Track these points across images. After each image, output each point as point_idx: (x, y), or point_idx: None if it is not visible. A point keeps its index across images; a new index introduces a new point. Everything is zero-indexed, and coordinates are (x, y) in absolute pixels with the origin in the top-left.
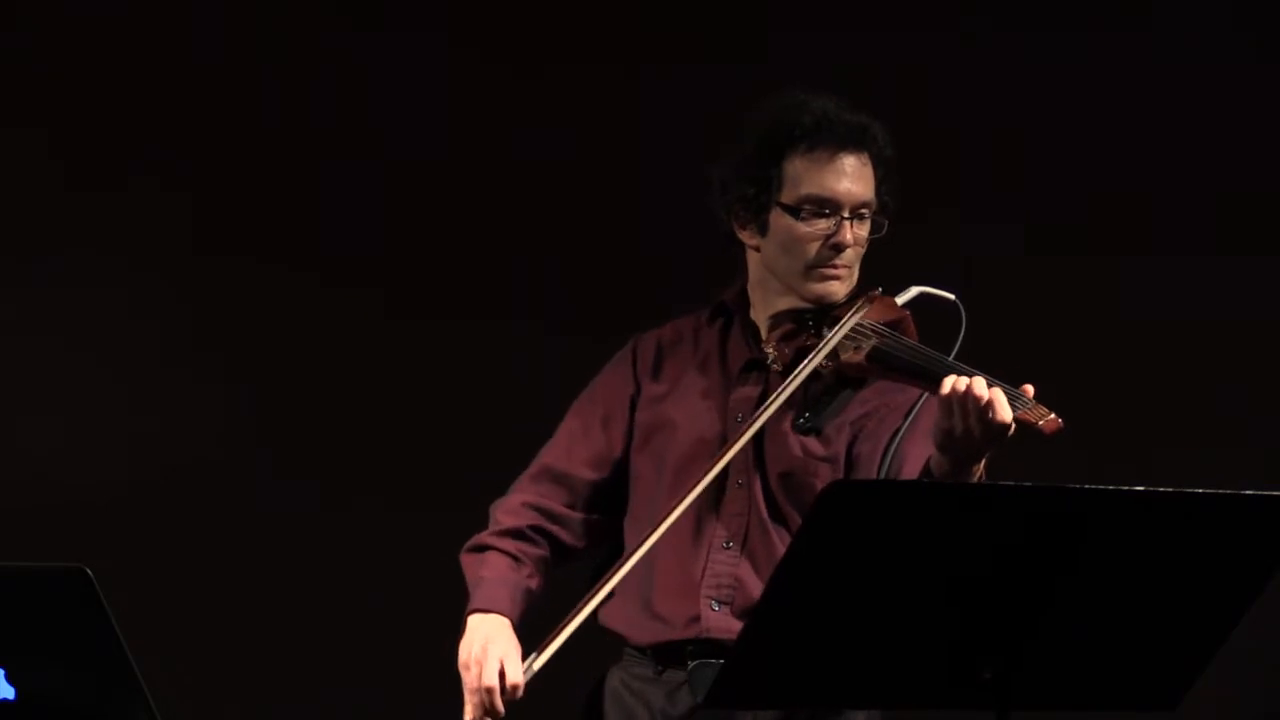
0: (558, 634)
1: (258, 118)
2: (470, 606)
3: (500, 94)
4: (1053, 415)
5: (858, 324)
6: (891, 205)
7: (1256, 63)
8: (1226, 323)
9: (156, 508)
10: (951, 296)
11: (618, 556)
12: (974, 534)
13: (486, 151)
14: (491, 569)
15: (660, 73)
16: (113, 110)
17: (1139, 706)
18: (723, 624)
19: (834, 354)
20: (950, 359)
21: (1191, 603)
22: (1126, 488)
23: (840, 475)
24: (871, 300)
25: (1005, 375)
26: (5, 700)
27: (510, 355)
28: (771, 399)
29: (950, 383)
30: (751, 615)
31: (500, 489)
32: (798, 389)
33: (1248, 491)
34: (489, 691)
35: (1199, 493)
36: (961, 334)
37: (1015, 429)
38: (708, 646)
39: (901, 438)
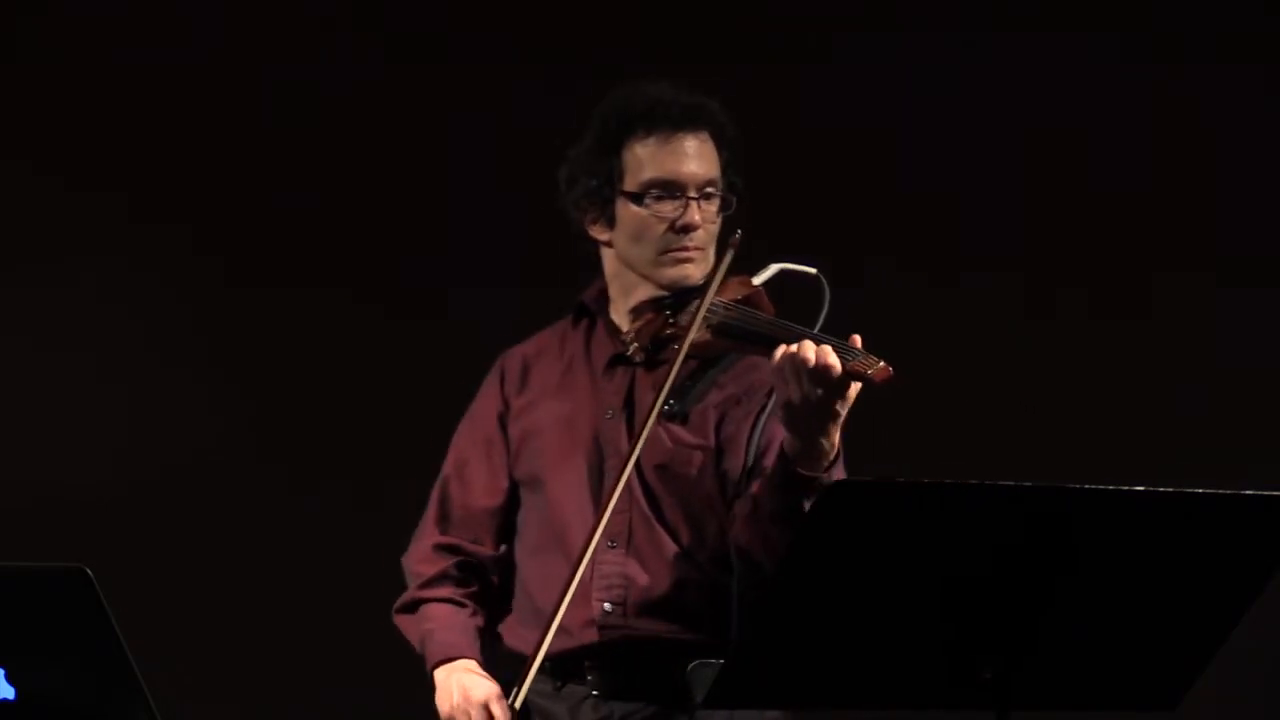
0: (530, 666)
1: (258, 120)
2: (431, 661)
3: (499, 94)
4: (882, 364)
5: (710, 305)
6: (739, 184)
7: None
8: (1227, 322)
9: (156, 508)
10: (813, 271)
11: (508, 566)
12: (974, 534)
13: (485, 152)
14: (435, 619)
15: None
16: (112, 110)
17: (1139, 706)
18: (619, 624)
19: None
20: (799, 327)
21: (1191, 603)
22: (1126, 488)
23: (713, 462)
24: (729, 284)
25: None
26: (5, 700)
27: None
28: (663, 390)
29: (779, 351)
30: (751, 615)
31: None
32: (660, 376)
33: (1248, 491)
34: None
35: (1199, 493)
36: (825, 307)
37: (849, 383)
38: (606, 650)
39: (767, 418)
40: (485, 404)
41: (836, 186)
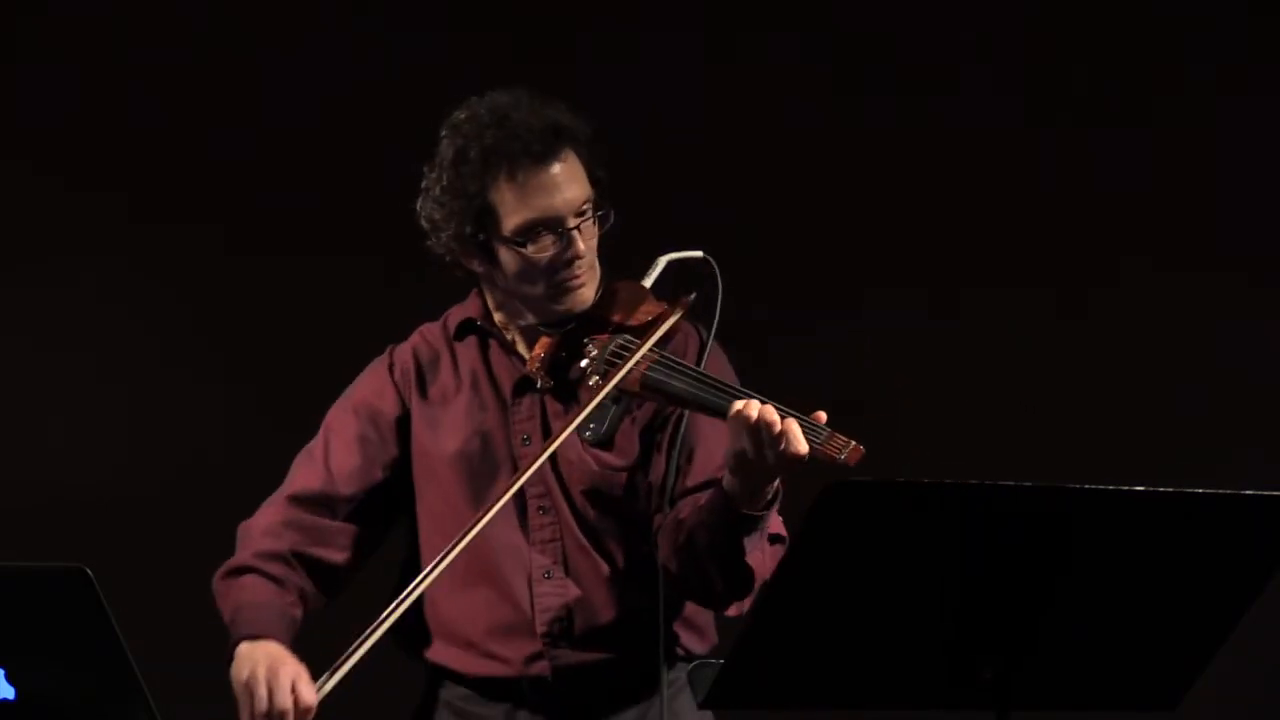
0: (349, 656)
1: (257, 115)
2: (237, 634)
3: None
4: (854, 444)
5: (619, 340)
6: (606, 178)
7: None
8: (1226, 319)
9: (157, 508)
10: (700, 254)
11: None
12: (974, 534)
13: None
14: (253, 593)
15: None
16: (112, 110)
17: (1139, 706)
18: (565, 658)
19: (604, 369)
20: (724, 383)
21: (1191, 603)
22: (1126, 488)
23: (642, 482)
24: (618, 294)
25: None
26: (5, 700)
27: None
28: (556, 434)
29: (739, 406)
30: (751, 615)
31: None
32: (574, 404)
33: (1248, 491)
34: (282, 714)
35: (1199, 493)
36: (720, 292)
37: (813, 455)
38: (548, 683)
39: (686, 424)
40: (373, 396)
41: (834, 191)
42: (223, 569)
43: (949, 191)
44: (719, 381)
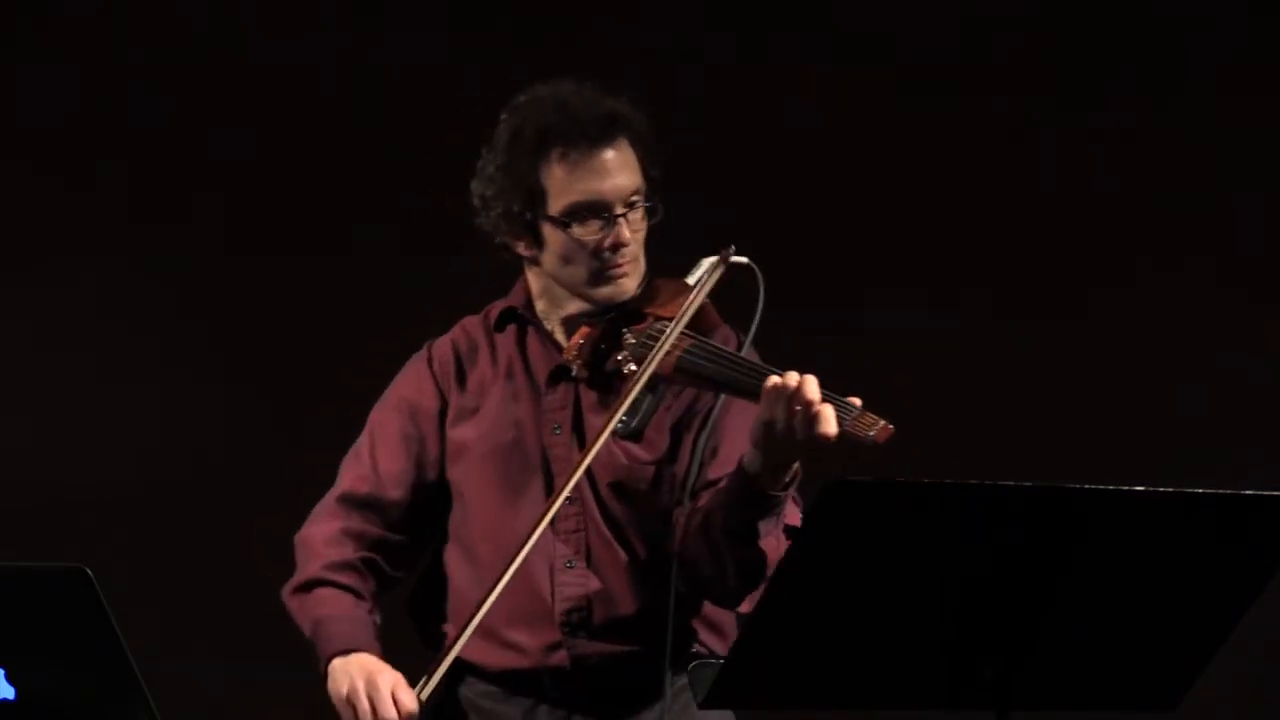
0: (442, 660)
1: (256, 115)
2: (328, 650)
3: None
4: (883, 423)
5: (656, 327)
6: (660, 179)
7: None
8: (1227, 318)
9: (156, 508)
10: (745, 260)
11: (436, 579)
12: (974, 534)
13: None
14: (332, 606)
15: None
16: (112, 110)
17: (1139, 706)
18: (584, 648)
19: (641, 358)
20: (760, 364)
21: (1191, 603)
22: (1126, 488)
23: (669, 476)
24: (661, 289)
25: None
26: (5, 700)
27: None
28: (606, 420)
29: (777, 378)
30: (751, 615)
31: None
32: (608, 394)
33: (1248, 491)
34: None
35: (1199, 493)
36: (761, 299)
37: (842, 438)
38: (568, 674)
39: (711, 427)
40: (412, 392)
41: (834, 191)
42: (292, 584)
43: (948, 191)
44: (754, 363)
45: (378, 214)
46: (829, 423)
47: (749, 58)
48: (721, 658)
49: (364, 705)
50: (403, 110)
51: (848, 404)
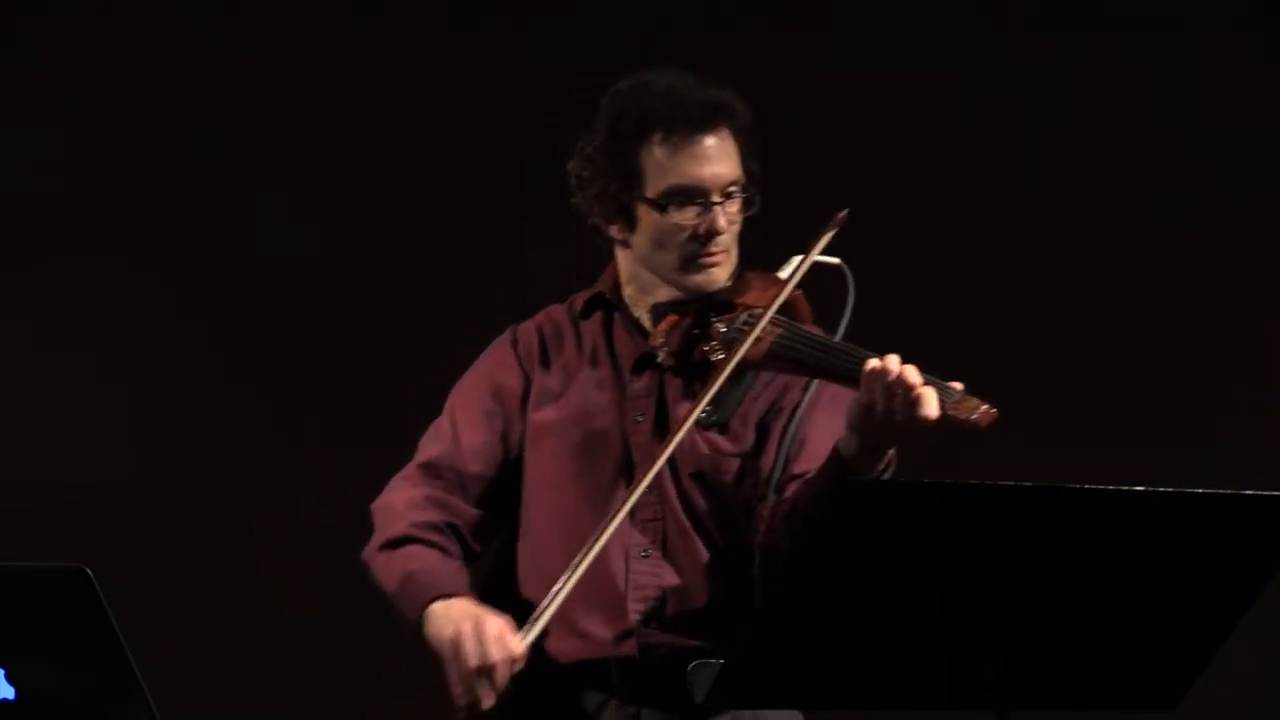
0: (545, 610)
1: (256, 115)
2: (425, 595)
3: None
4: (985, 407)
5: (747, 315)
6: (759, 173)
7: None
8: (1226, 318)
9: (156, 508)
10: (836, 261)
11: (505, 564)
12: (974, 534)
13: (486, 144)
14: (422, 560)
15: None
16: (111, 111)
17: (1139, 706)
18: (655, 639)
19: (730, 346)
20: (855, 347)
21: (1191, 603)
22: (1126, 488)
23: (753, 470)
24: (751, 282)
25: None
26: (5, 700)
27: None
28: (693, 406)
29: (878, 361)
30: (751, 615)
31: None
32: (694, 382)
33: (1248, 491)
34: (494, 667)
35: (1199, 493)
36: (850, 301)
37: (942, 422)
38: (637, 665)
39: (799, 421)
40: (496, 370)
41: (835, 192)
42: (376, 542)
43: (949, 192)
44: (850, 347)
45: (377, 214)
46: (931, 405)
47: (752, 57)
48: (721, 658)
49: (469, 648)
50: (402, 111)
51: (949, 388)
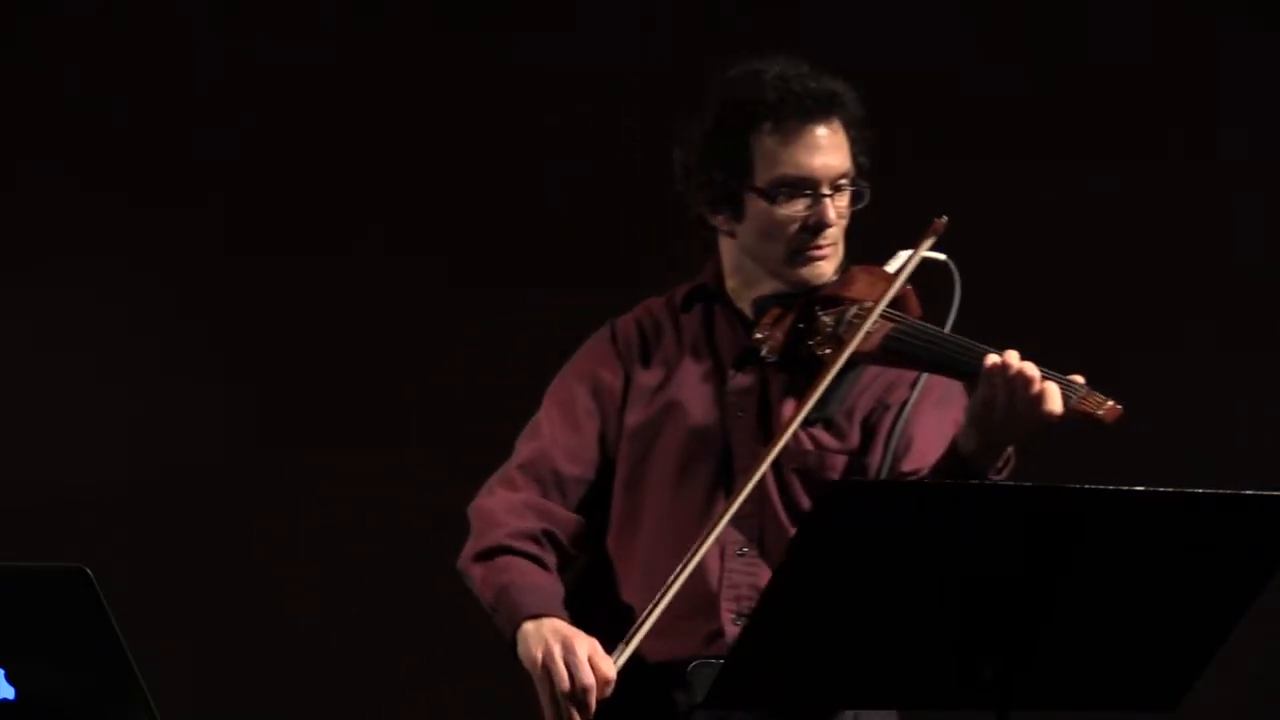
0: (638, 629)
1: (256, 115)
2: (518, 615)
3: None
4: (1111, 403)
5: (855, 310)
6: (868, 165)
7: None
8: (1225, 316)
9: (156, 508)
10: (942, 257)
11: (598, 565)
12: (974, 534)
13: (486, 144)
14: (518, 574)
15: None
16: (111, 111)
17: (1139, 707)
18: None
19: (838, 340)
20: (969, 341)
21: (1192, 603)
22: (1126, 488)
23: (858, 468)
24: (858, 277)
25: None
26: (5, 700)
27: (518, 360)
28: (805, 400)
29: (997, 357)
30: (751, 615)
31: None
32: (798, 377)
33: (1248, 491)
34: (585, 690)
35: (1199, 493)
36: (956, 299)
37: (1066, 417)
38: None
39: (905, 420)
40: (594, 367)
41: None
42: (471, 551)
43: (949, 193)
44: (967, 341)
45: (377, 214)
46: (1054, 400)
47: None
48: (721, 657)
49: (561, 671)
50: (402, 112)
51: (1072, 382)
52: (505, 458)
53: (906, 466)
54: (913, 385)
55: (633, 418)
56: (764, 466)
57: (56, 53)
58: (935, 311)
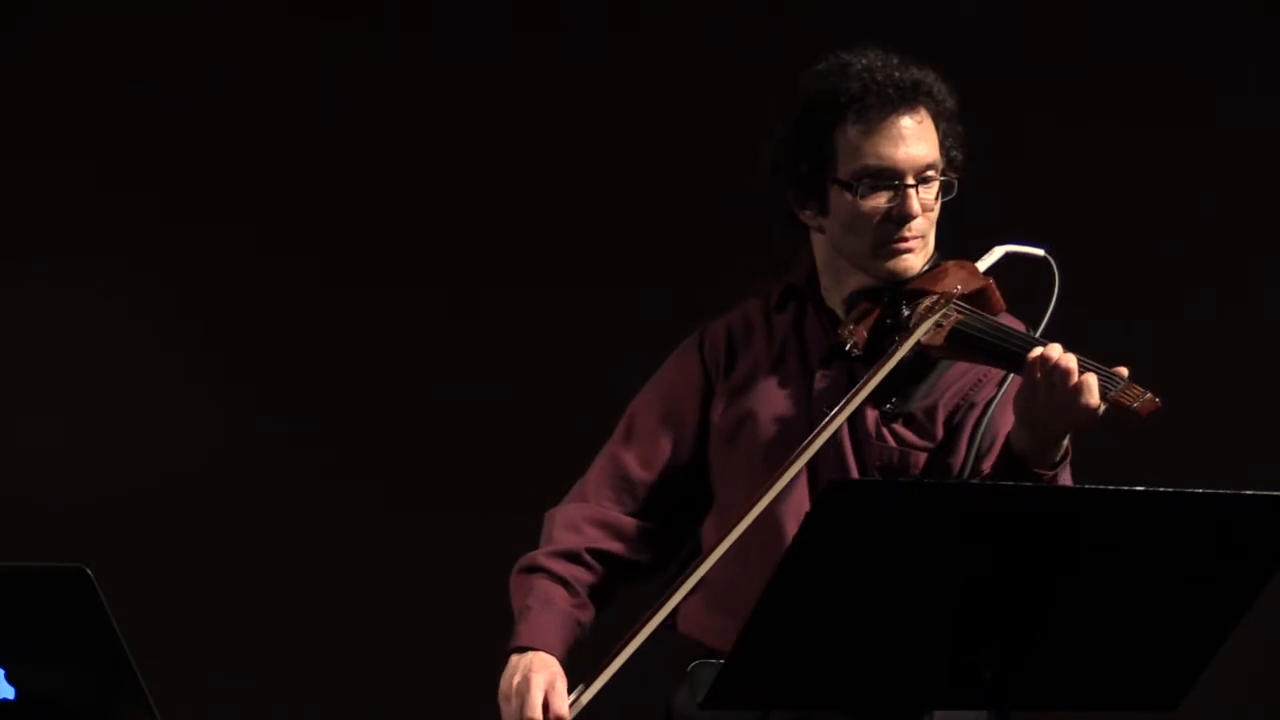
0: (610, 663)
1: (256, 116)
2: (512, 644)
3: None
4: (1149, 396)
5: (936, 301)
6: (960, 159)
7: None
8: (1225, 316)
9: (156, 508)
10: (1040, 252)
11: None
12: (974, 534)
13: (487, 144)
14: (538, 597)
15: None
16: (111, 111)
17: (1139, 706)
18: None
19: (912, 334)
20: (1036, 335)
21: (1191, 603)
22: (1126, 488)
23: (941, 466)
24: (948, 271)
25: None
26: (5, 700)
27: (520, 361)
28: (854, 390)
29: (1038, 351)
30: (750, 615)
31: (497, 496)
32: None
33: (1248, 491)
34: None
35: (1199, 493)
36: (1055, 292)
37: (1108, 410)
38: None
39: (990, 417)
40: (682, 375)
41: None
42: (521, 563)
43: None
44: (1023, 334)
45: (377, 214)
46: (1092, 393)
47: (756, 56)
48: (721, 657)
49: (513, 704)
50: (403, 111)
51: (1113, 375)
52: (507, 462)
53: (989, 465)
54: (1000, 384)
55: (719, 418)
56: (805, 457)
57: (57, 53)
58: (1029, 310)
